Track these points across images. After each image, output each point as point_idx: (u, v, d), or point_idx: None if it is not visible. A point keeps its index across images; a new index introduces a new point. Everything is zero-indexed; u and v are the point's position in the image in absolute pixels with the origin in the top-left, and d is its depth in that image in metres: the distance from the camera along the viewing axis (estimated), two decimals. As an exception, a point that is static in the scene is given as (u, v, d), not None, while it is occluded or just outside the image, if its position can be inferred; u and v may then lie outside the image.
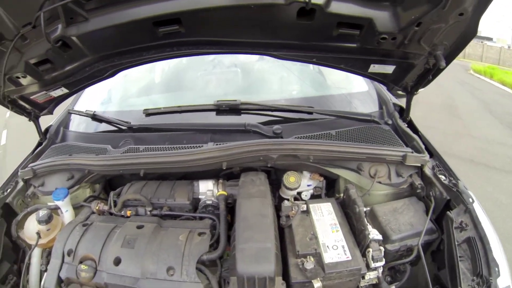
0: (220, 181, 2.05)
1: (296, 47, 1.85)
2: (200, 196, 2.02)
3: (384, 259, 1.59)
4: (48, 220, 1.95)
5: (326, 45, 1.80)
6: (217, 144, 2.03)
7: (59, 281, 1.71)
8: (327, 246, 1.59)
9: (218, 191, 1.99)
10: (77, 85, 2.20)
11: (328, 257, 1.54)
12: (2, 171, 8.35)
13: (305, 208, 1.82)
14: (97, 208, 2.05)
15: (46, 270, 1.90)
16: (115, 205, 2.02)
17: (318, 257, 1.56)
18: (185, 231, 1.72)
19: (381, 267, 1.62)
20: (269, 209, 1.65)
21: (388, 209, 1.80)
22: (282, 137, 2.10)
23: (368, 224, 1.67)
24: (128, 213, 1.97)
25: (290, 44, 1.83)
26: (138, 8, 1.62)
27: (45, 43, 1.76)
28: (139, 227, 1.77)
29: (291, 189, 1.98)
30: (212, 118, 2.37)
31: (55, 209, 2.11)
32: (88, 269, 1.64)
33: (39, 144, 2.67)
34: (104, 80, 2.12)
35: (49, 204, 2.17)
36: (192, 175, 2.14)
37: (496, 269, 1.45)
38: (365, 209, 1.72)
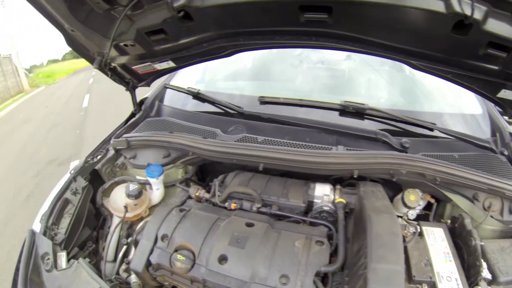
0: (338, 186, 1.87)
1: (437, 60, 1.64)
2: (315, 200, 1.82)
3: None
4: (137, 195, 1.85)
5: (468, 63, 1.59)
6: (348, 149, 1.86)
7: (148, 264, 1.59)
8: (441, 276, 1.43)
9: (336, 198, 1.80)
10: (186, 60, 2.05)
11: (443, 289, 1.37)
12: (82, 131, 8.99)
13: (418, 230, 1.64)
14: (196, 194, 1.92)
15: (126, 244, 1.84)
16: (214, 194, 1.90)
17: (431, 286, 1.41)
18: (301, 237, 1.56)
19: None
20: (399, 227, 1.49)
21: (496, 247, 1.58)
22: (406, 152, 1.92)
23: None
24: (233, 206, 1.82)
25: (433, 56, 1.63)
26: None
27: (163, 12, 1.62)
28: (248, 225, 1.63)
29: (409, 208, 1.79)
30: (334, 118, 2.15)
31: (144, 184, 2.02)
32: (186, 261, 1.49)
33: (132, 115, 2.59)
34: (218, 59, 1.98)
35: (138, 177, 2.09)
36: (294, 174, 1.96)
37: None
38: (481, 243, 1.53)
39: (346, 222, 1.71)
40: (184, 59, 2.03)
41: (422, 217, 1.86)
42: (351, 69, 2.86)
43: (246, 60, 3.15)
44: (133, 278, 1.69)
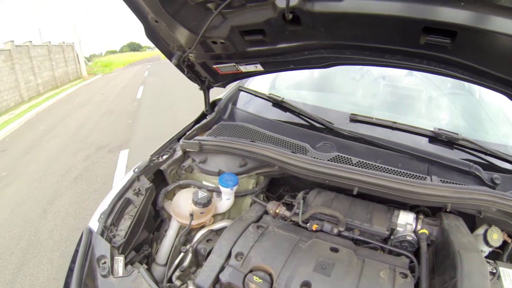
0: (421, 216, 1.73)
1: None
2: (398, 228, 1.70)
3: None
4: (206, 204, 1.73)
5: None
6: (442, 181, 1.72)
7: (216, 281, 1.44)
8: None
9: (418, 228, 1.67)
10: (278, 66, 1.89)
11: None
12: (134, 121, 9.19)
13: (496, 272, 1.50)
14: (277, 211, 1.77)
15: (185, 252, 1.69)
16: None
17: None
18: (385, 267, 1.44)
19: None
20: (487, 269, 1.38)
21: None
22: (495, 188, 1.76)
23: None
24: (314, 227, 1.68)
25: None
26: (413, 4, 1.27)
27: (268, 11, 1.46)
28: (333, 250, 1.51)
29: (491, 246, 1.64)
30: (424, 145, 2.02)
31: (211, 191, 1.90)
32: (262, 284, 1.33)
33: (203, 115, 2.47)
34: (313, 69, 1.81)
35: (205, 183, 1.97)
36: (374, 197, 1.81)
37: None
38: None
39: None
40: (277, 64, 1.88)
41: (493, 255, 1.73)
42: (411, 87, 2.74)
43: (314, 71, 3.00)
44: (191, 290, 1.56)
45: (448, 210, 1.61)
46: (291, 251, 1.47)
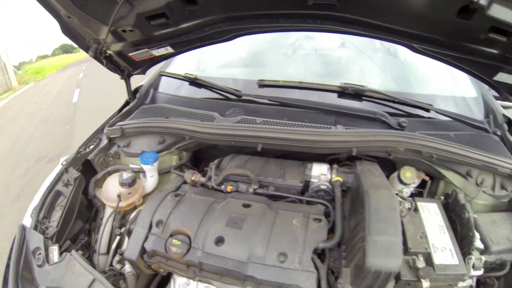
0: (335, 166, 1.89)
1: (439, 44, 1.68)
2: (312, 180, 1.84)
3: (482, 269, 1.49)
4: (131, 183, 1.84)
5: (468, 47, 1.64)
6: (347, 128, 1.89)
7: (142, 252, 1.57)
8: (436, 247, 1.51)
9: (333, 177, 1.82)
10: (185, 45, 2.04)
11: (438, 259, 1.46)
12: (72, 126, 8.98)
13: (413, 205, 1.69)
14: (192, 178, 1.91)
15: (120, 234, 1.82)
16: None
17: (427, 256, 1.48)
18: (298, 216, 1.58)
19: (475, 277, 1.52)
20: (397, 202, 1.50)
21: (487, 220, 1.66)
22: (404, 131, 1.95)
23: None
24: (229, 188, 1.82)
25: (435, 40, 1.66)
26: None
27: None
28: (246, 206, 1.64)
29: (405, 184, 1.83)
30: (333, 100, 2.17)
31: (137, 172, 2.00)
32: (181, 245, 1.47)
33: (127, 103, 2.57)
34: (219, 44, 1.97)
35: (132, 166, 2.07)
36: (291, 156, 2.00)
37: None
38: (474, 216, 1.61)
39: (343, 200, 1.74)
40: (184, 44, 2.03)
41: (416, 195, 1.90)
42: (345, 56, 2.89)
43: (240, 49, 3.14)
44: (127, 268, 1.67)
45: (354, 154, 1.76)
46: (205, 212, 1.60)
